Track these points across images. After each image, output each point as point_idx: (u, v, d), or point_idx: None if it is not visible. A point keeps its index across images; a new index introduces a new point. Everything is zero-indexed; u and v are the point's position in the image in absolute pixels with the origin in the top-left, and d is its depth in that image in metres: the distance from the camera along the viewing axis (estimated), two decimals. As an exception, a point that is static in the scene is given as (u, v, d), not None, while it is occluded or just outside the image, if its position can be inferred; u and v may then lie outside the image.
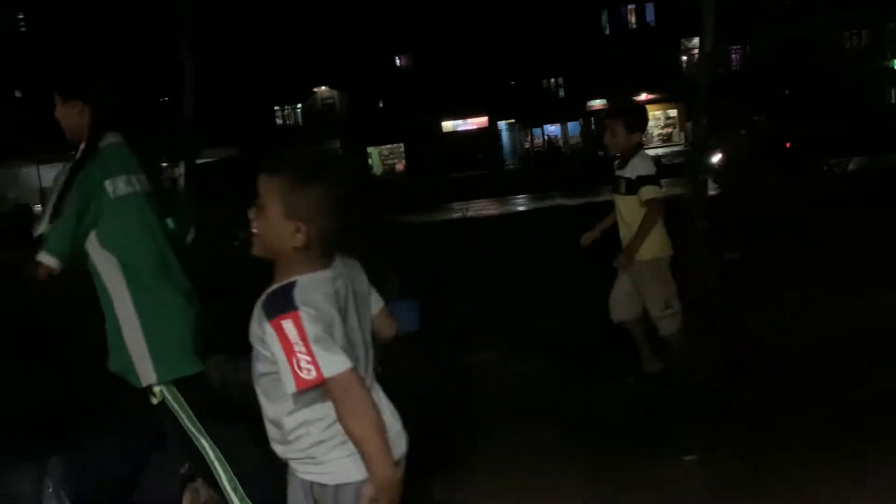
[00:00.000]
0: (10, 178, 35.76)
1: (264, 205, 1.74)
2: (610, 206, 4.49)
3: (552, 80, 40.77)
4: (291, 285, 1.69)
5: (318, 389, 1.67)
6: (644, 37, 38.35)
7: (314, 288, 1.70)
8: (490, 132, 39.22)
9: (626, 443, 3.64)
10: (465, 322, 6.12)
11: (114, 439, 2.98)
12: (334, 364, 1.63)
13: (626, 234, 4.30)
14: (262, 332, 1.68)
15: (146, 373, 2.72)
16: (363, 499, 1.68)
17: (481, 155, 36.06)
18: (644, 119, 4.45)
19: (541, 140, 41.44)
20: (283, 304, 1.65)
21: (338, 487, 1.74)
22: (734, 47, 36.82)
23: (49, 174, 36.44)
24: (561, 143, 40.65)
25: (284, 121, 40.25)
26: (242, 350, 3.96)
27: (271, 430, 1.80)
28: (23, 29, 37.67)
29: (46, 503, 3.06)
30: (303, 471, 1.78)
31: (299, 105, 40.23)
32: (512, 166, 38.54)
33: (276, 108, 39.67)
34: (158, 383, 2.73)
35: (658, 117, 39.06)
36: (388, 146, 40.01)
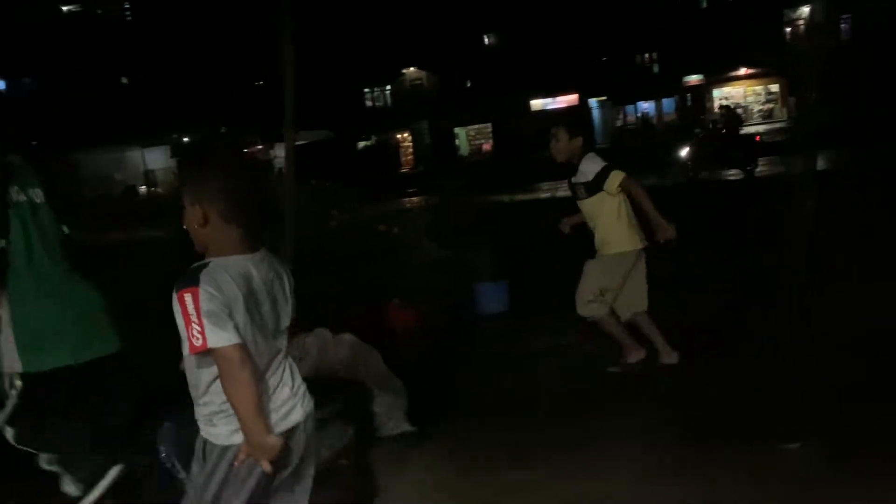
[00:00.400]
0: (117, 161, 37.76)
1: (183, 197, 2.03)
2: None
3: (646, 55, 39.55)
4: (204, 265, 1.98)
5: (203, 362, 2.00)
6: (744, 8, 36.57)
7: (222, 269, 1.97)
8: (580, 110, 38.48)
9: (721, 430, 3.53)
10: (551, 304, 6.07)
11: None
12: (220, 338, 1.91)
13: (599, 234, 4.41)
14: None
15: (11, 362, 2.87)
16: (238, 458, 2.03)
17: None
18: (584, 123, 4.52)
19: (633, 118, 40.35)
20: (188, 281, 1.93)
21: (224, 448, 2.07)
22: (845, 16, 34.62)
23: (153, 157, 38.31)
24: (655, 120, 39.46)
25: (374, 103, 40.79)
26: (339, 326, 4.08)
27: (193, 394, 2.11)
28: (129, 18, 39.55)
29: (160, 468, 3.24)
30: (203, 430, 2.12)
31: (388, 87, 40.64)
32: (603, 145, 37.73)
33: (365, 90, 40.22)
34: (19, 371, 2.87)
35: (759, 93, 37.32)
36: (476, 126, 39.90)
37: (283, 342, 2.17)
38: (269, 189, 2.22)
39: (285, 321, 2.16)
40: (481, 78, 37.12)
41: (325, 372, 3.95)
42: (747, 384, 4.01)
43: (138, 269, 6.12)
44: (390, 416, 3.93)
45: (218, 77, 33.95)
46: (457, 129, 39.08)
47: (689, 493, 3.01)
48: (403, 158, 38.87)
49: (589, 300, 4.40)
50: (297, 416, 2.15)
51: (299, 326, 4.05)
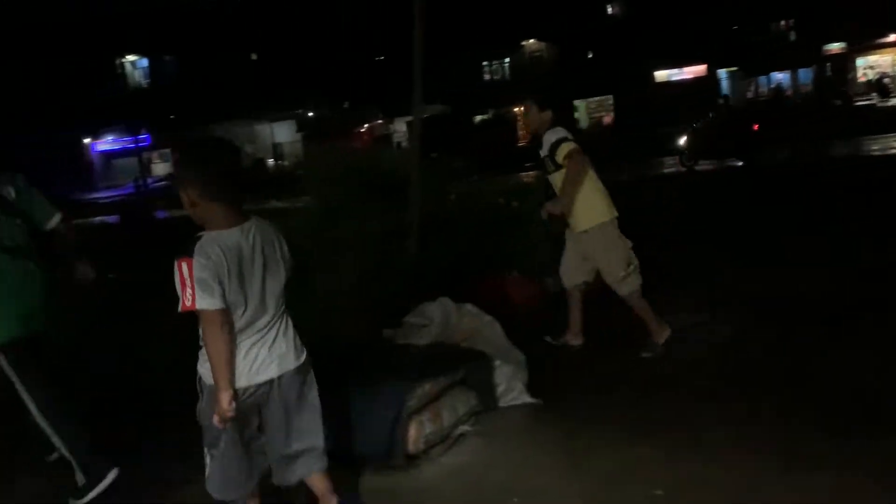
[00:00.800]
0: (247, 135, 39.57)
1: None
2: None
3: (782, 22, 37.13)
4: (199, 238, 2.36)
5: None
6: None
7: (214, 242, 2.35)
8: (708, 81, 36.71)
9: (857, 419, 3.34)
10: (674, 281, 5.90)
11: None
12: (206, 303, 2.30)
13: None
14: None
15: None
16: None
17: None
18: (554, 97, 4.48)
19: (766, 89, 38.08)
20: (185, 252, 2.31)
21: (211, 386, 2.45)
22: None
23: (280, 131, 39.91)
24: (790, 91, 37.09)
25: (492, 76, 40.58)
26: (461, 297, 4.13)
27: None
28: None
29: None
30: (199, 368, 2.51)
31: (507, 59, 40.28)
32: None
33: (483, 63, 40.04)
34: None
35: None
36: (596, 98, 38.92)
37: (277, 303, 2.52)
38: (242, 168, 2.66)
39: (278, 283, 2.51)
40: (603, 48, 36.06)
41: (447, 340, 4.03)
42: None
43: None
44: (511, 387, 3.98)
45: (342, 53, 34.78)
46: (576, 102, 38.27)
47: (815, 486, 2.87)
48: (521, 132, 38.57)
49: (621, 277, 4.34)
50: (272, 371, 2.51)
51: (423, 296, 4.16)
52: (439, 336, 4.00)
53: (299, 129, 38.24)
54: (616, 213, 4.38)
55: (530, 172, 16.99)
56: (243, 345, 2.45)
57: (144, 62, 40.33)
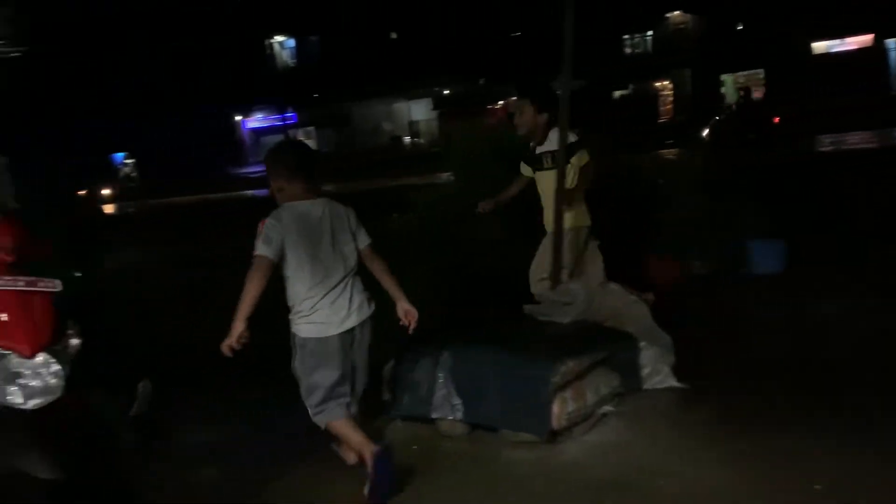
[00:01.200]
0: (385, 112, 40.55)
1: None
2: None
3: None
4: (278, 208, 3.08)
5: (291, 279, 3.02)
6: None
7: (284, 211, 3.05)
8: (874, 53, 33.69)
9: None
10: (831, 268, 5.53)
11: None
12: (260, 249, 2.96)
13: (548, 207, 4.34)
14: None
15: None
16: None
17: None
18: (553, 98, 4.32)
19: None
20: (267, 217, 3.02)
21: (303, 339, 3.07)
22: None
23: (417, 109, 40.61)
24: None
25: (633, 50, 39.24)
26: (606, 276, 4.05)
27: None
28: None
29: (437, 392, 3.54)
30: (292, 326, 3.09)
31: (650, 32, 38.79)
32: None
33: (624, 36, 38.77)
34: None
35: None
36: (745, 72, 36.74)
37: (346, 264, 3.08)
38: (312, 161, 3.24)
39: (348, 248, 3.10)
40: (755, 19, 33.91)
41: (591, 319, 4.00)
42: None
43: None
44: (656, 369, 3.90)
45: (478, 30, 34.80)
46: (723, 76, 36.31)
47: None
48: (662, 108, 37.15)
49: (541, 278, 4.36)
50: (353, 320, 3.07)
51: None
52: (582, 315, 3.97)
53: (435, 107, 38.74)
54: (589, 223, 4.44)
55: (671, 150, 16.43)
56: (327, 298, 3.02)
57: (291, 42, 42.14)
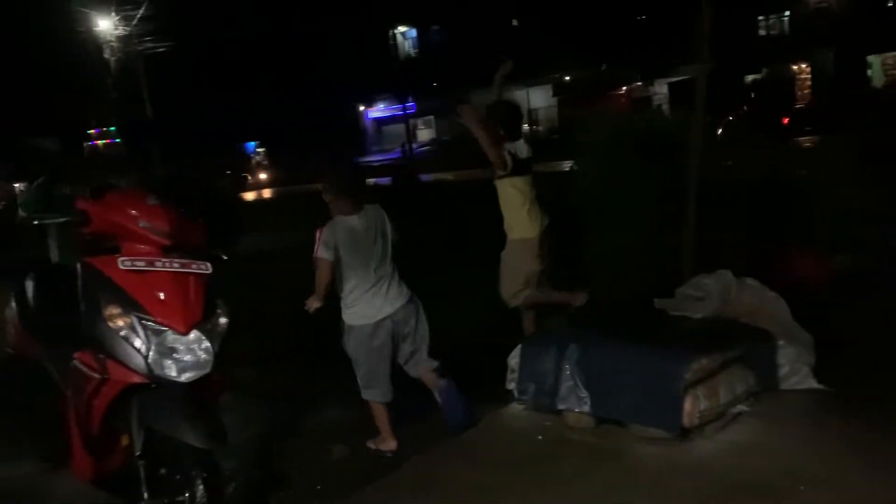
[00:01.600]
0: (505, 100, 40.35)
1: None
2: None
3: None
4: (332, 219, 3.75)
5: (339, 275, 3.73)
6: None
7: (336, 224, 3.73)
8: None
9: None
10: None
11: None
12: (320, 252, 3.68)
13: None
14: None
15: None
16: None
17: None
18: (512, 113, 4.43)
19: None
20: (321, 225, 3.73)
21: (349, 326, 3.79)
22: None
23: (536, 96, 40.19)
24: None
25: (768, 31, 37.11)
26: (743, 270, 3.90)
27: None
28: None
29: (564, 383, 3.52)
30: (343, 316, 3.81)
31: (787, 12, 36.54)
32: None
33: (759, 17, 36.71)
34: None
35: None
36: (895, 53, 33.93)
37: (383, 264, 3.76)
38: (359, 177, 4.13)
39: (386, 250, 3.78)
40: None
41: (726, 315, 3.84)
42: None
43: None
44: (795, 369, 3.70)
45: (600, 14, 33.99)
46: (870, 58, 33.67)
47: None
48: (799, 92, 34.97)
49: (519, 290, 4.35)
50: (388, 310, 3.72)
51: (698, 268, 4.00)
52: (717, 310, 3.83)
53: (555, 94, 38.20)
54: (536, 234, 4.28)
55: (811, 137, 15.47)
56: (367, 294, 3.71)
57: (413, 33, 42.76)
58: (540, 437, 3.53)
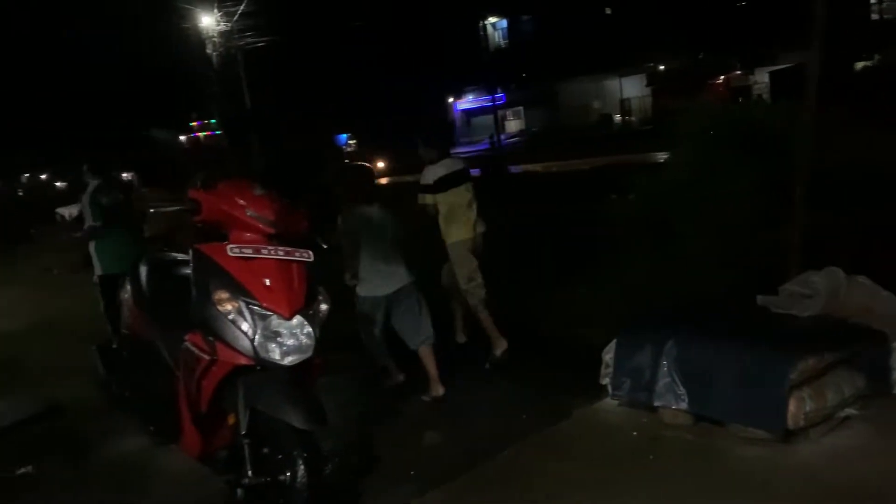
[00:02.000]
0: (595, 90, 39.63)
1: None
2: None
3: None
4: (347, 209, 4.49)
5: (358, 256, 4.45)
6: None
7: (356, 210, 4.44)
8: None
9: None
10: None
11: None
12: (343, 239, 4.42)
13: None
14: None
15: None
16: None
17: None
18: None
19: None
20: (340, 214, 4.53)
21: (359, 296, 4.50)
22: None
23: (629, 85, 39.29)
24: None
25: (881, 15, 34.91)
26: (855, 268, 3.70)
27: None
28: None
29: (661, 379, 3.46)
30: (357, 289, 4.51)
31: (903, -7, 34.26)
32: None
33: (871, 0, 34.59)
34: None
35: None
36: None
37: (389, 250, 4.39)
38: (371, 178, 4.63)
39: (393, 240, 4.40)
40: None
41: (834, 314, 3.67)
42: None
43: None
44: (910, 372, 3.50)
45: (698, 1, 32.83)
46: None
47: None
48: (915, 80, 32.75)
49: (465, 289, 4.88)
50: (388, 289, 4.40)
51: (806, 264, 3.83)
52: (825, 309, 3.66)
53: (648, 83, 37.24)
54: (470, 236, 4.84)
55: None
56: (374, 272, 4.37)
57: (504, 23, 42.53)
58: (635, 434, 3.48)
